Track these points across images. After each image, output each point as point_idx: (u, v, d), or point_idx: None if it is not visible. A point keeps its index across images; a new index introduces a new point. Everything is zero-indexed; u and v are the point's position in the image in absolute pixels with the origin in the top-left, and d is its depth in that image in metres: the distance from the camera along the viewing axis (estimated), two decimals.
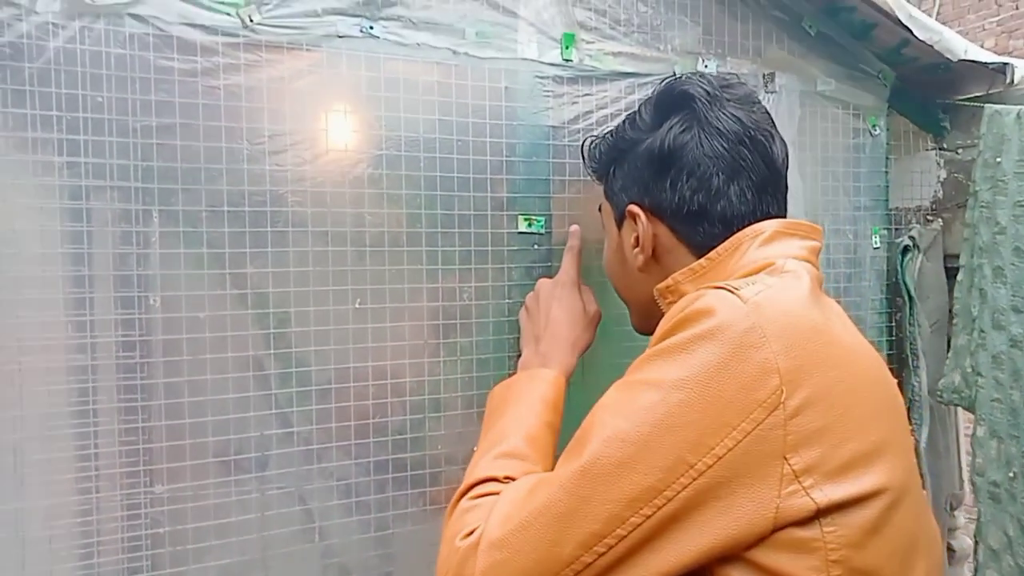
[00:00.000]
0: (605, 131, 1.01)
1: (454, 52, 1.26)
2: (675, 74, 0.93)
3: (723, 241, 0.86)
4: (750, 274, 0.79)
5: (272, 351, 1.17)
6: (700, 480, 0.64)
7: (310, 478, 1.20)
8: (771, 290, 0.73)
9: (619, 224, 0.97)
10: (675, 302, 0.82)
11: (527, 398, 1.00)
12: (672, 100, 0.91)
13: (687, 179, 0.86)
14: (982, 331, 1.59)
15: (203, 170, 1.10)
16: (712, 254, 0.85)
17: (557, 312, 1.05)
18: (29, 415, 1.02)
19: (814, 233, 0.88)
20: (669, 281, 0.87)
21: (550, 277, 1.37)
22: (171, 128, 1.08)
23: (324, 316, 1.19)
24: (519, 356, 1.24)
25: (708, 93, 0.88)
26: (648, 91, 1.19)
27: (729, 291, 0.72)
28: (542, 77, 1.34)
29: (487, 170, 1.30)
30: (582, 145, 1.05)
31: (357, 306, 1.22)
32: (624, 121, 0.97)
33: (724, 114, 0.87)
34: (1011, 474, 1.52)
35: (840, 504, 0.66)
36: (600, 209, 1.04)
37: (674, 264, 0.91)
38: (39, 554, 1.03)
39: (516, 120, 1.32)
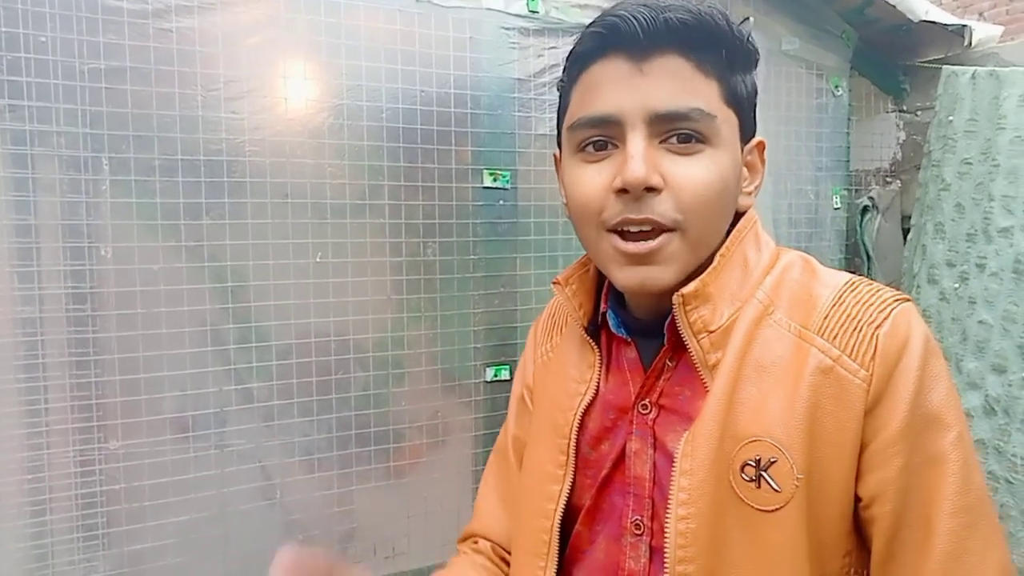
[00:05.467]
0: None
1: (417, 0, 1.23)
2: None
3: None
4: (773, 266, 0.75)
5: (230, 305, 1.14)
6: None
7: (269, 436, 1.18)
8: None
9: (745, 141, 0.74)
10: (696, 309, 0.71)
11: None
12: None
13: None
14: (918, 287, 1.63)
15: (155, 116, 1.06)
16: (723, 250, 0.73)
17: None
18: None
19: None
20: (698, 284, 0.71)
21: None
22: (120, 72, 1.04)
23: (283, 270, 1.17)
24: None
25: None
26: None
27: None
28: (508, 28, 1.31)
29: (451, 122, 1.28)
30: (725, 17, 0.71)
31: (318, 260, 1.19)
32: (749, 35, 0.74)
33: None
34: None
35: None
36: (700, 113, 0.68)
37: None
38: None
39: (481, 72, 1.29)
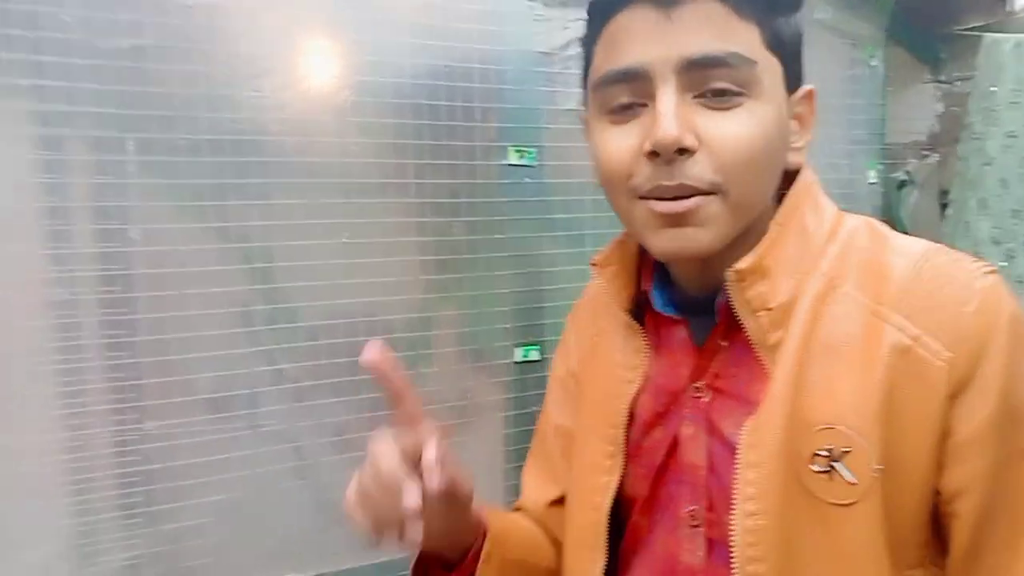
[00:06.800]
0: None
1: None
2: None
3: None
4: (835, 233, 0.69)
5: (258, 286, 1.14)
6: None
7: (302, 415, 1.19)
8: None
9: (791, 90, 0.68)
10: (752, 285, 0.65)
11: None
12: None
13: None
14: None
15: (178, 96, 1.06)
16: (780, 218, 0.68)
17: None
18: (13, 351, 1.00)
19: None
20: (754, 259, 0.65)
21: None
22: (142, 50, 1.04)
23: (311, 251, 1.17)
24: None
25: None
26: None
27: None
28: (532, 0, 1.29)
29: (475, 98, 1.26)
30: None
31: (344, 240, 1.19)
32: None
33: None
34: None
35: None
36: (741, 58, 0.62)
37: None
38: (30, 490, 1.02)
39: (505, 45, 1.27)
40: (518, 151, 1.31)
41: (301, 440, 1.20)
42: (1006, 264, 1.52)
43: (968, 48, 1.75)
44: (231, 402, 1.14)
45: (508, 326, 1.34)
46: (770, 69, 0.64)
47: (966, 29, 1.78)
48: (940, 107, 1.89)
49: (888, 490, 0.61)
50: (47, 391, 1.03)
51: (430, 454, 0.64)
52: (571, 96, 1.33)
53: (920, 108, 1.89)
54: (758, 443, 0.64)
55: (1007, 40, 1.57)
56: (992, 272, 0.64)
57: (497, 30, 1.26)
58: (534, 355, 1.37)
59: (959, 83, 1.85)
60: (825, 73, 1.66)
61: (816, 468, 0.63)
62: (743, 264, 0.65)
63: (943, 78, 1.89)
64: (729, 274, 0.65)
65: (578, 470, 0.81)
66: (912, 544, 0.64)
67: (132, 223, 1.05)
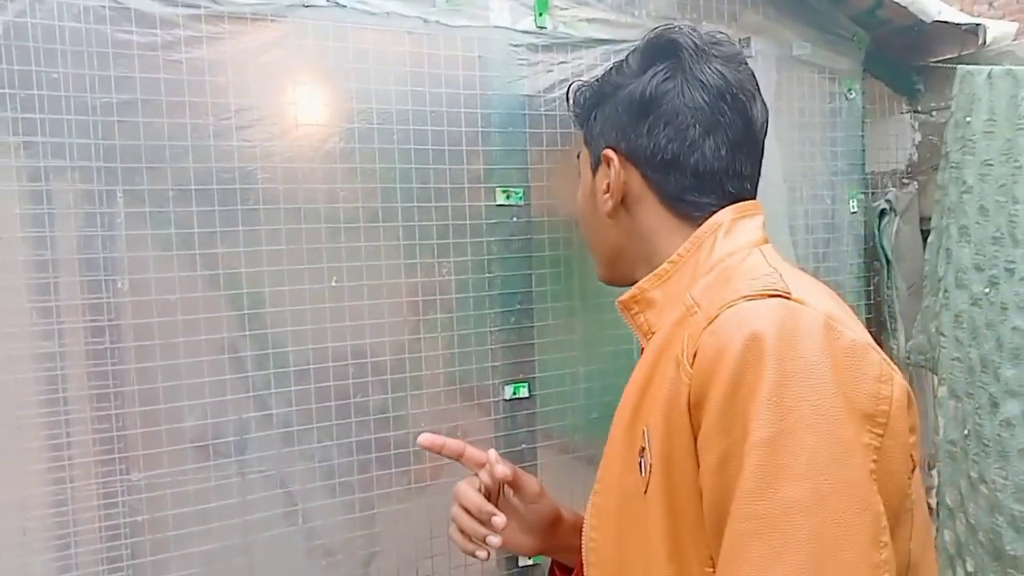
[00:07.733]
0: (592, 78, 1.01)
1: (425, 21, 1.23)
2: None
3: (693, 195, 0.86)
4: (716, 265, 0.82)
5: (247, 332, 1.14)
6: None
7: (291, 460, 1.18)
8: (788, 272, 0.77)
9: (594, 170, 0.95)
10: (642, 312, 0.84)
11: None
12: (659, 48, 0.89)
13: (664, 127, 0.85)
14: (946, 291, 1.59)
15: (167, 147, 1.06)
16: (675, 257, 0.83)
17: None
18: None
19: (758, 208, 0.88)
20: (634, 291, 0.85)
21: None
22: (132, 105, 1.04)
23: (299, 295, 1.17)
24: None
25: (695, 45, 0.86)
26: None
27: (770, 295, 0.69)
28: (516, 45, 1.31)
29: (462, 141, 1.28)
30: (568, 89, 1.03)
31: (333, 284, 1.19)
32: (611, 67, 0.96)
33: (709, 68, 0.85)
34: (965, 432, 1.53)
35: None
36: (578, 156, 1.01)
37: (643, 214, 0.89)
38: (13, 546, 1.00)
39: (491, 90, 1.29)
40: (505, 191, 1.32)
41: (291, 485, 1.19)
42: (989, 290, 1.52)
43: (943, 79, 1.78)
44: (220, 449, 1.13)
45: (497, 364, 1.35)
46: (584, 158, 0.98)
47: (940, 61, 1.81)
48: (918, 136, 1.92)
49: (668, 488, 0.71)
50: (31, 445, 1.02)
51: (492, 454, 0.99)
52: (556, 136, 1.35)
53: (898, 138, 1.91)
54: (611, 435, 0.82)
55: (980, 72, 1.60)
56: (761, 296, 0.68)
57: (483, 75, 1.28)
58: (523, 392, 1.37)
59: (935, 113, 1.89)
60: (805, 107, 1.69)
61: (639, 459, 0.75)
62: (623, 297, 0.87)
63: (920, 108, 1.92)
64: (617, 304, 0.87)
65: None
66: (701, 544, 0.69)
67: (120, 274, 1.04)
